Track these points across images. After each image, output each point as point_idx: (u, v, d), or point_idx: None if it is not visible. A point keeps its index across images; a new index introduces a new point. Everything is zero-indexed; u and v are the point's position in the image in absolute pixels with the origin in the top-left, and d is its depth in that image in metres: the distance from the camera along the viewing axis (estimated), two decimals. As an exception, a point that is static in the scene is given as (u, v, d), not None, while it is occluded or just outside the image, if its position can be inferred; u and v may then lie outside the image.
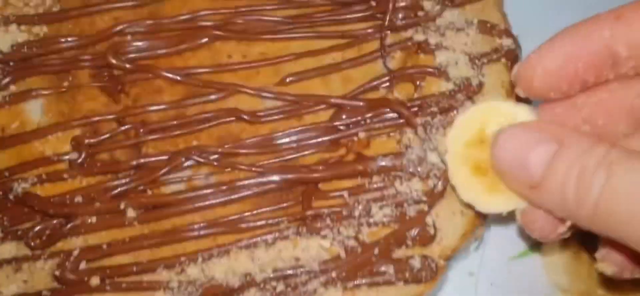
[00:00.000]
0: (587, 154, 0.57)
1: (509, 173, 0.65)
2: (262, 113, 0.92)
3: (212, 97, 0.93)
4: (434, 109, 0.91)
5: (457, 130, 0.75)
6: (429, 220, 0.83)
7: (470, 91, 0.92)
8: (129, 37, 0.97)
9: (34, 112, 0.94)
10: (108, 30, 0.96)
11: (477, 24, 0.96)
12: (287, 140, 0.91)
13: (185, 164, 0.88)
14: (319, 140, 0.91)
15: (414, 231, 0.83)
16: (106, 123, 0.92)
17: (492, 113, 0.73)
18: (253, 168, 0.87)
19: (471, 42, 0.95)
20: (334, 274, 0.80)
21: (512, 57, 0.97)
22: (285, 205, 0.86)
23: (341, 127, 0.92)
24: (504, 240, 0.96)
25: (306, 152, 0.91)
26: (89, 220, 0.84)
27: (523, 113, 0.71)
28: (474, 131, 0.73)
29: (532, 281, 0.96)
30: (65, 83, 0.95)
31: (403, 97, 0.94)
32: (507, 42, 0.96)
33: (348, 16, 0.99)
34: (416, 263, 0.82)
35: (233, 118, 0.92)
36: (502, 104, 0.73)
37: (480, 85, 0.93)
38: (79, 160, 0.88)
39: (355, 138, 0.92)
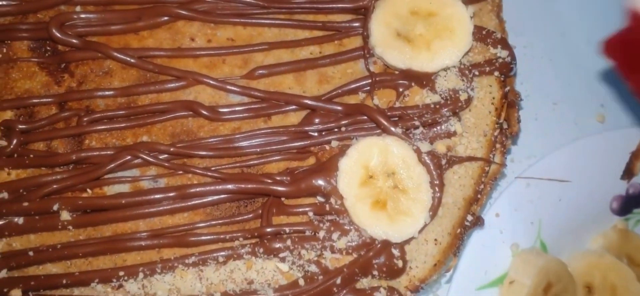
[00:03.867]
0: None
1: None
2: (224, 110, 0.78)
3: (169, 85, 0.78)
4: (416, 123, 0.78)
5: (345, 176, 0.73)
6: (395, 251, 0.71)
7: (457, 106, 0.79)
8: (77, 8, 0.80)
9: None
10: (53, -4, 0.79)
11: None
12: (250, 143, 0.77)
13: (132, 162, 0.73)
14: (287, 146, 0.77)
15: (381, 261, 0.71)
16: (44, 106, 0.76)
17: (370, 149, 0.75)
18: (208, 173, 0.74)
19: (464, 51, 0.82)
20: (289, 303, 0.69)
21: (506, 70, 0.83)
22: (242, 218, 0.73)
23: (313, 133, 0.78)
24: (472, 270, 0.85)
25: (271, 159, 0.77)
26: (15, 221, 0.70)
27: (395, 143, 0.75)
28: (361, 170, 0.74)
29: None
30: (-2, 56, 0.78)
31: (383, 105, 0.80)
32: (502, 53, 0.83)
33: (331, 5, 0.84)
34: (381, 296, 0.71)
35: (190, 113, 0.77)
36: (375, 139, 0.76)
37: (469, 99, 0.80)
38: (9, 149, 0.73)
39: (327, 147, 0.78)
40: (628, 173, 0.96)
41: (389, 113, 0.78)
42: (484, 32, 0.83)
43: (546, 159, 0.94)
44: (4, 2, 0.78)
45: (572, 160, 0.95)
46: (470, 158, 0.78)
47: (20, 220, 0.71)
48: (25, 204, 0.70)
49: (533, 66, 1.08)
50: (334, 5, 0.84)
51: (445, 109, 0.78)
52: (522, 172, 0.93)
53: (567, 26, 1.12)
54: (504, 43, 0.84)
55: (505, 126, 0.84)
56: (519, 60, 0.91)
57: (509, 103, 0.86)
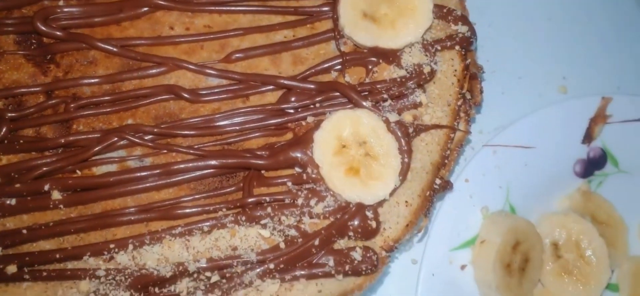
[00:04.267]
0: None
1: None
2: (204, 92, 0.82)
3: (151, 71, 0.82)
4: (384, 96, 0.82)
5: (320, 147, 0.77)
6: (369, 213, 0.76)
7: (421, 79, 0.84)
8: (61, 2, 0.83)
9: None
10: (37, -8, 0.83)
11: (433, 9, 0.87)
12: (230, 122, 0.81)
13: (119, 144, 0.77)
14: (265, 123, 0.82)
15: (356, 223, 0.76)
16: (32, 95, 0.79)
17: (342, 121, 0.79)
18: (191, 151, 0.78)
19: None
20: (272, 265, 0.73)
21: (466, 44, 0.88)
22: (224, 191, 0.77)
23: (289, 110, 0.83)
24: (445, 233, 0.90)
25: (250, 136, 0.81)
26: (8, 202, 0.73)
27: (365, 115, 0.79)
28: (335, 141, 0.78)
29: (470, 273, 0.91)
30: (-15, 50, 0.82)
31: (354, 82, 0.85)
32: (462, 28, 0.88)
33: (302, -9, 0.89)
34: (357, 255, 0.75)
35: (172, 96, 0.81)
36: (347, 112, 0.80)
37: (432, 72, 0.85)
38: (-1, 135, 0.76)
39: (304, 123, 0.83)
40: (588, 138, 1.02)
41: (359, 89, 0.83)
42: (444, 10, 0.88)
43: (512, 127, 0.99)
44: (-11, -1, 0.82)
45: (536, 128, 1.00)
46: (436, 126, 0.83)
47: (12, 201, 0.74)
48: (17, 186, 0.73)
49: (498, 43, 1.13)
50: (305, -9, 0.89)
51: (411, 82, 0.83)
52: (489, 141, 0.99)
53: (528, 4, 1.18)
54: (464, 20, 0.89)
55: (468, 96, 0.89)
56: (484, 39, 0.96)
57: (472, 75, 0.91)
